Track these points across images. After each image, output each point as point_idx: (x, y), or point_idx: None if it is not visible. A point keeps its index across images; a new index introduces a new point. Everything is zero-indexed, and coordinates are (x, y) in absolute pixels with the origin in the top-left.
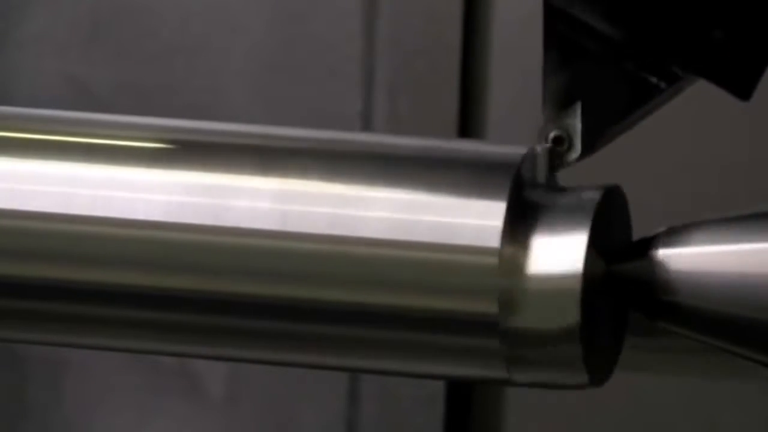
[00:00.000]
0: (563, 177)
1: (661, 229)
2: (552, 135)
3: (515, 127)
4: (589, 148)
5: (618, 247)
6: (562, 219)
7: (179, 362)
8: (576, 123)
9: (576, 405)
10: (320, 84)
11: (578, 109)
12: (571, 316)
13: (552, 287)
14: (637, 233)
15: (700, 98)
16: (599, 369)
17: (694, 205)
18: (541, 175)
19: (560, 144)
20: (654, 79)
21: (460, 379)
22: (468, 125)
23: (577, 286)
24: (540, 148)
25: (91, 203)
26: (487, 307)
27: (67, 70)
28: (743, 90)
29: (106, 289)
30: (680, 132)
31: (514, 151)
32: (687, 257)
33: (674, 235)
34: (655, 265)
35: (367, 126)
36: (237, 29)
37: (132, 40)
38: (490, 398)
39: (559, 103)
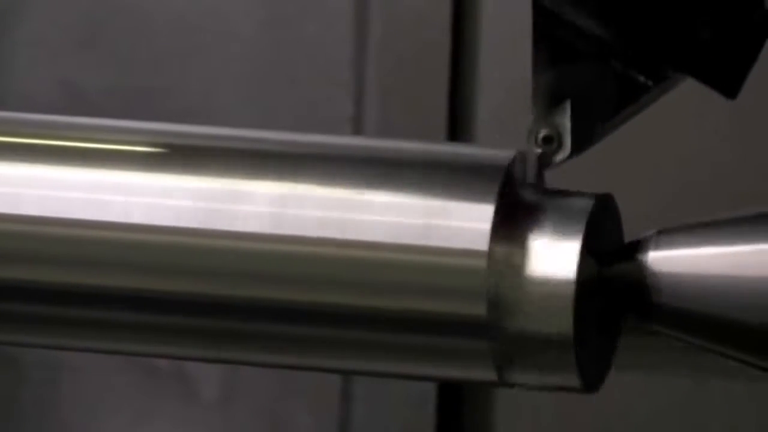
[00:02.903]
0: (554, 176)
1: (651, 232)
2: (542, 134)
3: (504, 131)
4: (578, 147)
5: (609, 250)
6: (555, 223)
7: (174, 365)
8: (565, 122)
9: (566, 406)
10: (311, 88)
11: (568, 107)
12: (564, 320)
13: (545, 291)
14: (628, 236)
15: (692, 101)
16: (592, 373)
17: (684, 207)
18: (531, 176)
19: (550, 143)
20: (642, 78)
21: (450, 380)
22: (457, 129)
23: (571, 290)
24: (530, 150)
25: (85, 207)
26: (476, 309)
27: (61, 75)
28: (730, 88)
29: (99, 292)
30: (671, 135)
31: (503, 154)
32: (676, 260)
33: (664, 237)
34: (645, 268)
35: (357, 129)
36: (229, 34)
37: (125, 44)
38: (480, 399)
39: (548, 102)
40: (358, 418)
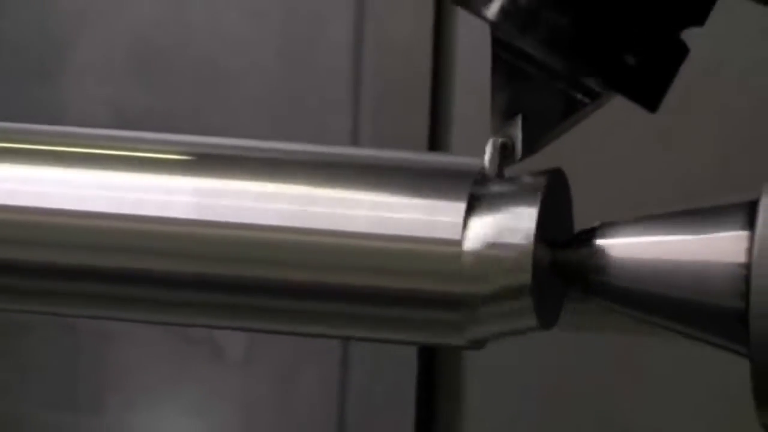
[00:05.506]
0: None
1: (597, 223)
2: (499, 142)
3: (475, 143)
4: (528, 152)
5: (561, 239)
6: (515, 205)
7: (205, 332)
8: (517, 132)
9: (526, 363)
10: (317, 108)
11: (519, 120)
12: (524, 276)
13: (507, 257)
14: (578, 227)
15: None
16: (546, 318)
17: (626, 203)
18: (494, 171)
19: (505, 149)
20: (580, 96)
21: (427, 344)
22: (436, 141)
23: (529, 250)
24: (490, 150)
25: (133, 204)
26: (452, 287)
27: (107, 98)
28: (651, 104)
29: (143, 274)
30: (607, 150)
31: (473, 161)
32: (617, 246)
33: (607, 228)
34: (592, 252)
35: (355, 141)
36: (249, 64)
37: (161, 72)
38: (452, 357)
39: (503, 115)
40: (354, 376)
